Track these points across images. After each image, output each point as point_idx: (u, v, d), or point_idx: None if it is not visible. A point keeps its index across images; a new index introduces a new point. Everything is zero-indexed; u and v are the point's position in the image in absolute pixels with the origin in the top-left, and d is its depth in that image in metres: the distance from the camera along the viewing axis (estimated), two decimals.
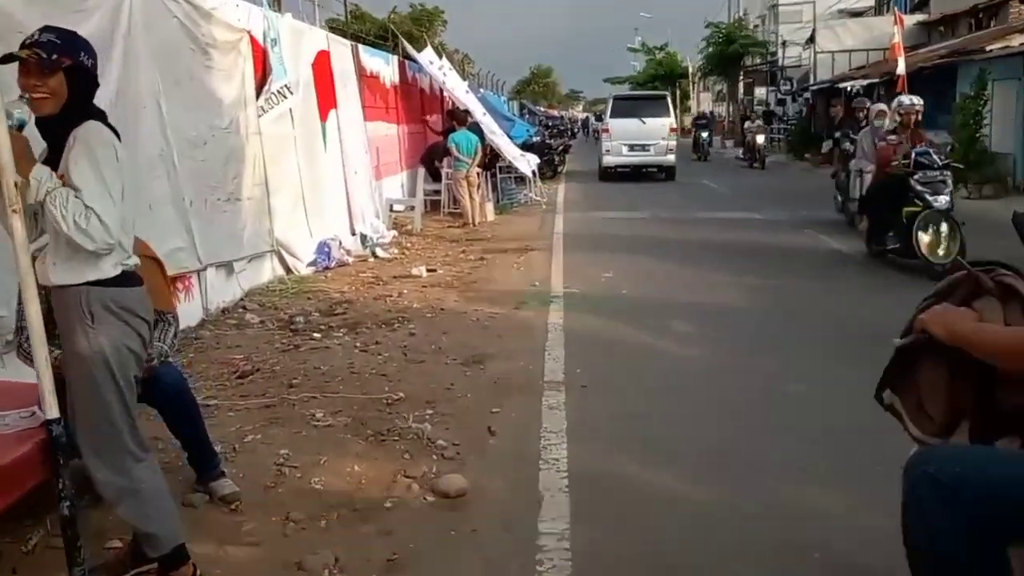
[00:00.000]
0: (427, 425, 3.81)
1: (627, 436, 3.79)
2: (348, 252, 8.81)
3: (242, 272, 6.76)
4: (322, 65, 9.56)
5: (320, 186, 8.97)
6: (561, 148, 21.15)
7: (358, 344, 5.35)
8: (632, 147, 18.46)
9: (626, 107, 19.51)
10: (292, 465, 3.44)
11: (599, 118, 31.50)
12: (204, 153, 6.06)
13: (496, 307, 6.45)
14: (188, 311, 5.80)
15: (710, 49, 37.74)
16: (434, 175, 13.97)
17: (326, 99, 9.62)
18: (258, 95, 7.38)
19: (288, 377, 4.67)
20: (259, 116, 7.35)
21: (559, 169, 20.49)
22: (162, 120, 5.36)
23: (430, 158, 14.17)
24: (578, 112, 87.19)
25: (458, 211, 13.03)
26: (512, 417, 4.04)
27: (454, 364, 4.93)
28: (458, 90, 15.37)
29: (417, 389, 4.43)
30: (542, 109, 57.90)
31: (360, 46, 11.58)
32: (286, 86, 7.98)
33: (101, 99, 4.76)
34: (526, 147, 18.00)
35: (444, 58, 16.64)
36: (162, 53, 5.50)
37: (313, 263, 8.19)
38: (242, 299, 6.70)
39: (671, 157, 18.45)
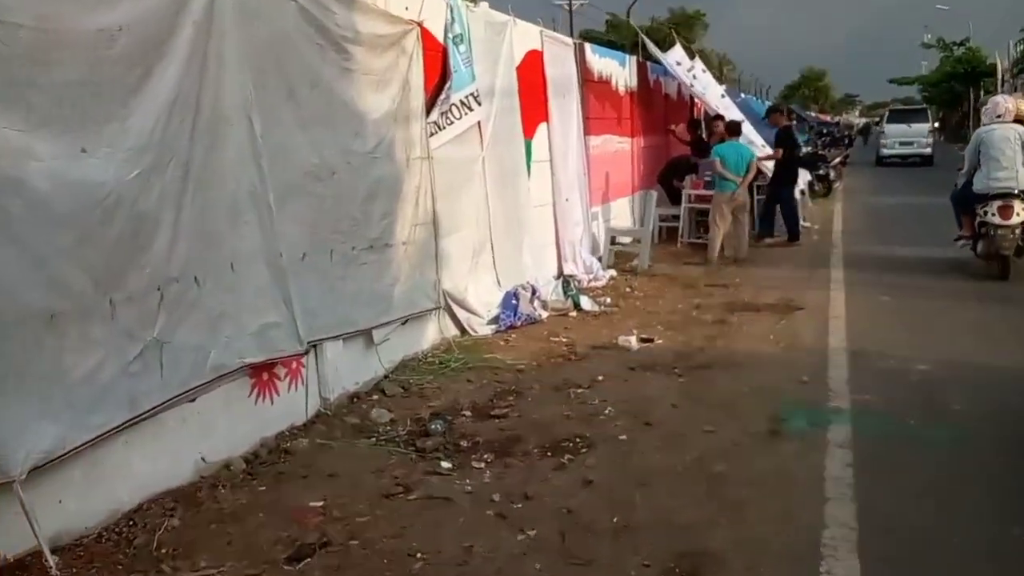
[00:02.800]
0: None
1: None
2: (544, 304, 6.88)
3: (386, 342, 5.10)
4: (532, 69, 7.78)
5: (516, 220, 7.16)
6: (839, 159, 17.54)
7: (497, 497, 3.34)
8: (900, 143, 26.37)
9: (898, 116, 28.54)
10: None
11: (877, 123, 38.55)
12: (331, 187, 4.46)
13: (735, 425, 4.10)
14: (288, 407, 4.22)
15: None
16: (673, 196, 11.68)
17: (534, 110, 7.82)
18: (431, 108, 5.73)
19: (361, 572, 2.80)
20: (430, 135, 5.69)
21: (835, 186, 16.96)
22: (255, 144, 3.80)
23: (669, 176, 11.90)
24: (854, 117, 78.42)
25: (700, 241, 10.61)
26: None
27: None
28: (711, 95, 12.91)
29: None
30: (813, 115, 52.25)
31: (587, 45, 9.68)
32: (473, 95, 6.27)
33: (141, 113, 3.28)
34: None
35: (697, 59, 14.25)
36: (265, 50, 3.96)
37: (495, 320, 6.38)
38: (386, 376, 5.05)
39: (928, 150, 25.87)
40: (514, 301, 6.57)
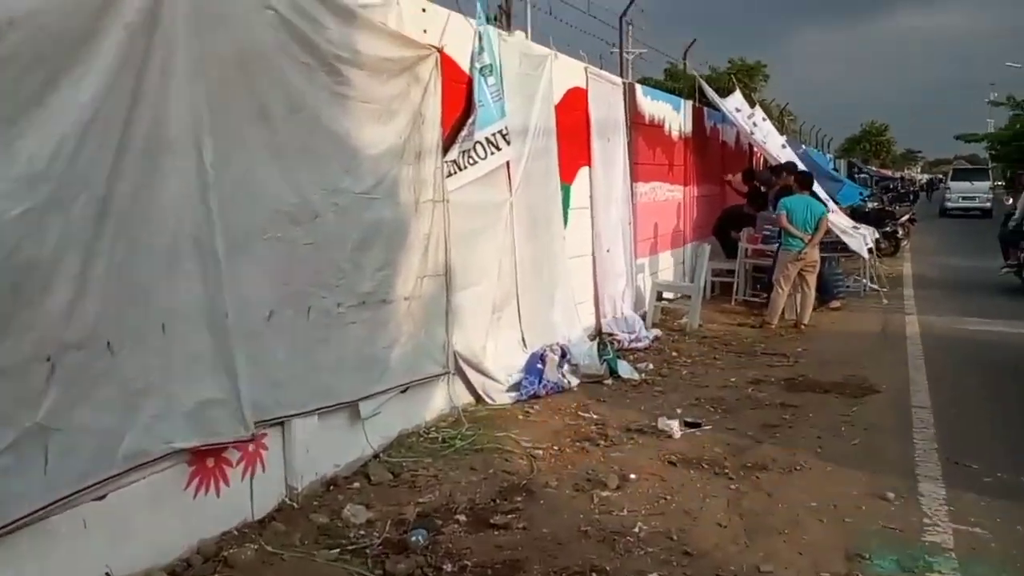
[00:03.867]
0: None
1: None
2: (575, 369, 5.99)
3: (378, 415, 4.28)
4: (574, 107, 7.05)
5: (547, 272, 6.35)
6: (906, 217, 16.33)
7: None
8: (964, 197, 29.28)
9: (961, 174, 31.95)
10: None
11: (941, 180, 41.88)
12: (312, 232, 3.71)
13: (800, 563, 3.13)
14: (239, 501, 3.42)
15: None
16: (728, 249, 10.75)
17: (575, 153, 7.07)
18: (449, 145, 5.00)
19: None
20: (448, 175, 4.95)
21: (903, 244, 15.74)
22: (203, 178, 3.07)
23: (725, 227, 10.98)
24: (916, 173, 76.09)
25: (755, 300, 9.63)
26: None
27: None
28: (772, 144, 12.01)
29: None
30: (874, 169, 50.65)
31: (638, 86, 8.92)
32: (501, 133, 5.53)
33: (38, 133, 2.22)
34: (857, 216, 13.88)
35: (757, 107, 13.38)
36: (230, 65, 3.26)
37: (516, 387, 5.52)
38: (376, 455, 4.22)
39: (988, 204, 28.20)
40: (539, 365, 5.70)
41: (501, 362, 5.57)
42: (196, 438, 3.08)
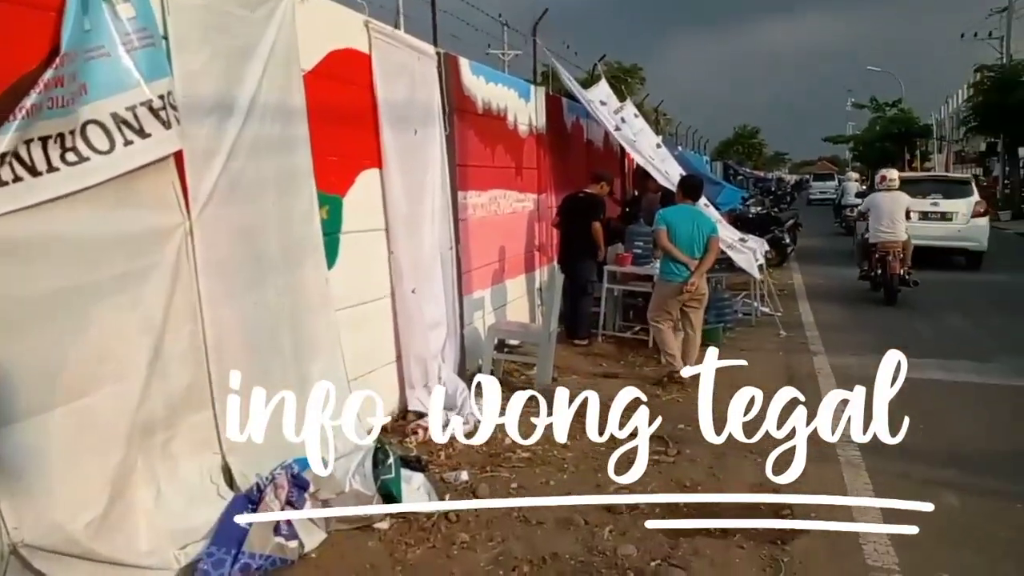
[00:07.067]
0: None
1: None
2: (324, 505, 3.56)
3: None
4: (345, 80, 4.66)
5: (290, 340, 3.91)
6: (791, 221, 14.88)
7: None
8: (821, 192, 41.71)
9: (818, 177, 47.40)
10: None
11: (807, 181, 51.75)
12: None
13: None
14: None
15: (979, 99, 29.03)
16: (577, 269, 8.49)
17: (351, 149, 4.69)
18: None
19: None
20: None
21: (789, 252, 14.25)
22: None
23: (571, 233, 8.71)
24: (784, 174, 78.90)
25: (629, 336, 7.56)
26: None
27: None
28: (644, 144, 10.03)
29: None
30: (748, 170, 51.20)
31: (463, 60, 6.58)
32: (151, 106, 3.03)
33: None
34: (741, 223, 12.19)
35: (628, 103, 11.42)
36: None
37: (191, 570, 3.03)
38: None
39: (835, 196, 29.70)
40: (247, 523, 3.23)
41: (164, 524, 3.06)
42: None
